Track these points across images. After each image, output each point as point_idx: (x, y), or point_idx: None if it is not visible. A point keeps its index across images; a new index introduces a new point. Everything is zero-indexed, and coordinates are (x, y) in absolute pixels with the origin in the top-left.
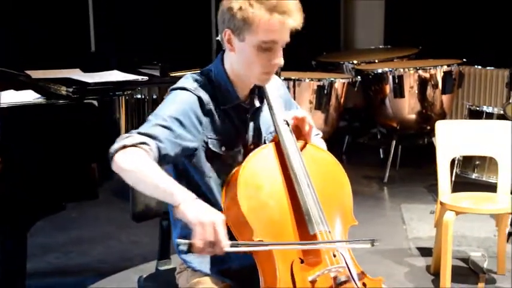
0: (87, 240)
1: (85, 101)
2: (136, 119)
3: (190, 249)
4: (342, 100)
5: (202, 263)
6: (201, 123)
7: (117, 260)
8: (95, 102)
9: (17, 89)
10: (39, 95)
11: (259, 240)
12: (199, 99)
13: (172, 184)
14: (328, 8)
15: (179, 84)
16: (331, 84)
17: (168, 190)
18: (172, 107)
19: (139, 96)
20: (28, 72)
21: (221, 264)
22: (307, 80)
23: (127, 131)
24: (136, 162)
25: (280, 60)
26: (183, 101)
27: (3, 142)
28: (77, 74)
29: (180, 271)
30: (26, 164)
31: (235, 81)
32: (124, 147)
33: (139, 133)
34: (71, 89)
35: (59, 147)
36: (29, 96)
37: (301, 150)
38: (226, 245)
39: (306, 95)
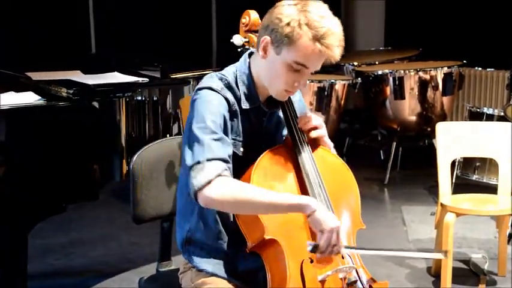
0: (87, 242)
1: (85, 102)
2: (137, 120)
3: (314, 249)
4: (343, 102)
5: (208, 263)
6: (228, 124)
7: (117, 261)
8: (96, 104)
9: (17, 90)
10: (39, 97)
11: (271, 239)
12: (226, 100)
13: (290, 196)
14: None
15: (205, 83)
16: (332, 85)
17: (294, 203)
18: (213, 115)
19: (139, 97)
20: (28, 73)
21: (227, 265)
22: (307, 82)
23: (127, 133)
24: (236, 194)
25: (304, 85)
26: (215, 104)
27: (4, 144)
28: (77, 76)
29: (184, 271)
30: (26, 166)
31: (259, 84)
32: (209, 182)
33: (209, 160)
34: (71, 91)
35: (59, 148)
36: (29, 98)
37: (312, 152)
38: (343, 247)
39: (307, 97)
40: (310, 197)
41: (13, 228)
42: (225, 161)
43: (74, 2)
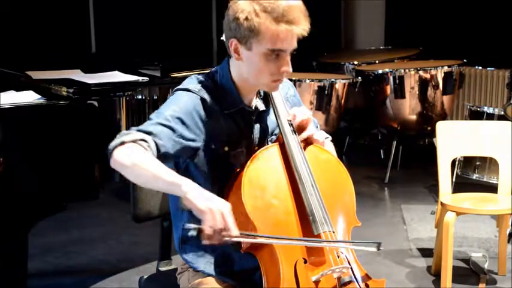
0: (87, 241)
1: (86, 101)
2: (137, 119)
3: (199, 235)
4: (343, 101)
5: (205, 263)
6: (203, 123)
7: (117, 260)
8: (96, 103)
9: (18, 89)
10: (39, 96)
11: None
12: (202, 100)
13: (175, 175)
14: (329, 8)
15: (183, 85)
16: (332, 85)
17: (172, 181)
18: (175, 106)
19: (140, 96)
20: (29, 73)
21: (224, 265)
22: (307, 81)
23: None
24: (135, 157)
25: (288, 68)
26: (186, 101)
27: (4, 143)
28: (77, 75)
29: (182, 271)
30: (26, 165)
31: (241, 86)
32: (123, 143)
33: (138, 130)
34: (71, 90)
35: (59, 147)
36: (29, 97)
37: (304, 151)
38: (235, 233)
39: (307, 96)
40: (190, 181)
41: (13, 226)
42: (154, 135)
43: (75, 2)
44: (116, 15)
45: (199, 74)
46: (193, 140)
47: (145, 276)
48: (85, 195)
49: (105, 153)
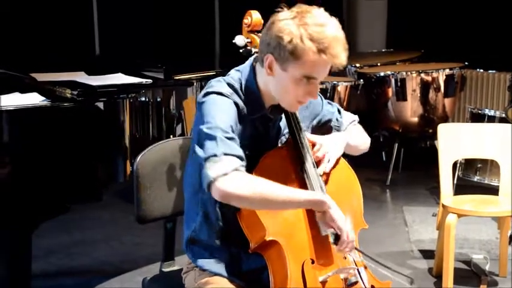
0: (90, 242)
1: (89, 103)
2: (141, 121)
3: (336, 240)
4: (345, 103)
5: (211, 263)
6: (237, 126)
7: (120, 261)
8: (100, 105)
9: (22, 91)
10: (44, 98)
11: (272, 240)
12: (235, 104)
13: (306, 192)
14: (331, 12)
15: (214, 88)
16: (334, 87)
17: (310, 199)
18: (223, 115)
19: (143, 98)
20: (33, 75)
21: (232, 265)
22: None
23: (131, 134)
24: (253, 186)
25: (315, 95)
26: (228, 108)
27: (8, 144)
28: (81, 77)
29: (187, 271)
30: (30, 166)
31: (265, 94)
32: (226, 174)
33: (226, 154)
34: (75, 92)
35: (63, 149)
36: (34, 99)
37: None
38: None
39: None
40: (323, 194)
41: (18, 228)
42: (241, 158)
43: (78, 4)
44: (120, 18)
45: (216, 73)
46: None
47: (148, 277)
48: (88, 196)
49: (108, 155)
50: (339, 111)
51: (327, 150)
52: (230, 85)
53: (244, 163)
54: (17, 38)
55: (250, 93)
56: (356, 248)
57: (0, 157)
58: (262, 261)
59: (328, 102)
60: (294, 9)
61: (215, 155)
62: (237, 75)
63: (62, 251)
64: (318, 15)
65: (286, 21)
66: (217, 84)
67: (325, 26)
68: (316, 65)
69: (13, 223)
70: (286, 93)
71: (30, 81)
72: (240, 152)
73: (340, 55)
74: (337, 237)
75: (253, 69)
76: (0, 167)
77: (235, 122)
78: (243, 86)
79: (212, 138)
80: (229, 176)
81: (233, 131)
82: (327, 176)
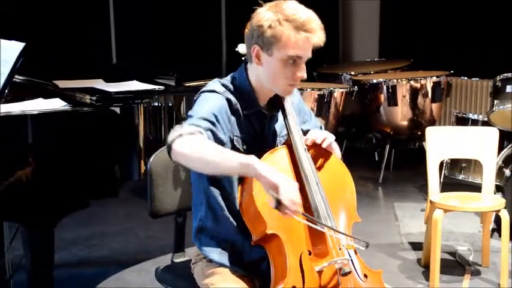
0: (108, 235)
1: (107, 108)
2: (154, 124)
3: (278, 205)
4: (341, 108)
5: (218, 253)
6: (229, 121)
7: (135, 252)
8: (116, 110)
9: (46, 97)
10: (65, 103)
11: (272, 233)
12: (228, 100)
13: (242, 155)
14: (327, 24)
15: (209, 87)
16: (331, 93)
17: (242, 161)
18: (207, 105)
19: (156, 104)
20: (56, 82)
21: (235, 256)
22: (308, 90)
23: (145, 136)
24: (198, 146)
25: (303, 73)
26: (215, 101)
27: (33, 145)
28: (99, 84)
29: (196, 262)
30: (54, 165)
31: (258, 90)
32: (180, 135)
33: (190, 124)
34: (94, 98)
35: (83, 150)
36: (56, 104)
37: (309, 152)
38: (301, 210)
39: (308, 103)
40: (256, 157)
41: (42, 222)
42: (204, 129)
43: (98, 20)
44: (135, 31)
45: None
46: (223, 133)
47: (161, 267)
48: (106, 193)
49: (126, 156)
50: (320, 127)
51: (325, 135)
52: (223, 84)
53: (206, 133)
54: (43, 50)
55: (243, 89)
56: (303, 213)
57: (25, 158)
58: (262, 252)
59: (311, 117)
60: (270, 4)
61: (181, 125)
62: (232, 77)
63: (83, 242)
64: (293, 2)
65: (264, 11)
66: (212, 84)
67: (299, 9)
68: (298, 43)
69: (38, 217)
70: (277, 78)
71: (53, 88)
72: (206, 125)
73: (318, 31)
74: (279, 202)
75: (245, 70)
76: (25, 167)
77: (221, 112)
78: (236, 84)
79: (188, 117)
80: (183, 137)
81: (217, 119)
82: (319, 168)
